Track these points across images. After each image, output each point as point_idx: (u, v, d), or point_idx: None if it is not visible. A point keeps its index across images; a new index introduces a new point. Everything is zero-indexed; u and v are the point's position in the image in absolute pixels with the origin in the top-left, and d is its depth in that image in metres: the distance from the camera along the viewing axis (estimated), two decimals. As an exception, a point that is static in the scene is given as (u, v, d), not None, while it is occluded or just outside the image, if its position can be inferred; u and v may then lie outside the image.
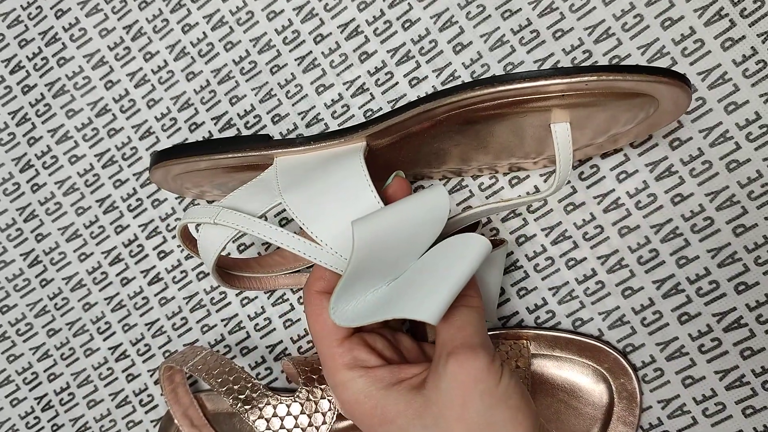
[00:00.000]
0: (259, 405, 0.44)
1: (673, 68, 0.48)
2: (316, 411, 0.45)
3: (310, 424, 0.44)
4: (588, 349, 0.48)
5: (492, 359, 0.35)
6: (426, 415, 0.35)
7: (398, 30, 0.52)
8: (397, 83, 0.52)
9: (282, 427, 0.44)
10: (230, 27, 0.54)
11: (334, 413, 0.44)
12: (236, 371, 0.46)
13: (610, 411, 0.48)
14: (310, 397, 0.45)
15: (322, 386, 0.45)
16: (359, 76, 0.52)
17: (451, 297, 0.35)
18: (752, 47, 0.47)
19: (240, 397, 0.44)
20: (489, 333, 0.49)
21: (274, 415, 0.44)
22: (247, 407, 0.44)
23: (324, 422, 0.44)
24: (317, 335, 0.38)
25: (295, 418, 0.44)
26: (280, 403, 0.44)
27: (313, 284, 0.39)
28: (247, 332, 0.55)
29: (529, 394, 0.47)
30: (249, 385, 0.45)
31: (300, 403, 0.44)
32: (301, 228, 0.39)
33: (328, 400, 0.45)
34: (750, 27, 0.47)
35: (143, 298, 0.56)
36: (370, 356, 0.38)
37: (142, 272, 0.56)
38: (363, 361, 0.37)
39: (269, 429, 0.44)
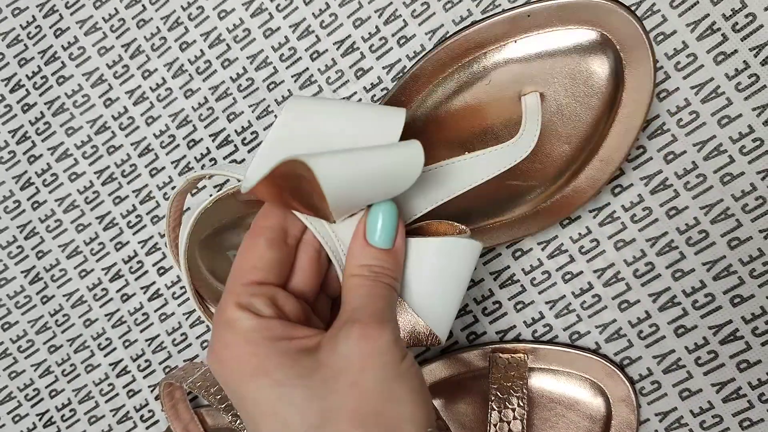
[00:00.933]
0: None
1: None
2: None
3: None
4: (585, 363, 0.48)
5: (397, 339, 0.33)
6: (313, 377, 0.32)
7: (393, 46, 0.52)
8: (393, 99, 0.52)
9: None
10: (227, 44, 0.55)
11: None
12: None
13: (608, 424, 0.48)
14: None
15: None
16: (355, 92, 0.53)
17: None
18: (744, 61, 0.47)
19: (238, 413, 0.45)
20: (487, 345, 0.50)
21: None
22: None
23: None
24: (231, 273, 0.36)
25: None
26: None
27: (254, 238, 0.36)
28: (246, 347, 0.55)
29: (528, 407, 0.47)
30: None
31: None
32: None
33: None
34: (742, 41, 0.47)
35: (143, 314, 0.57)
36: (268, 309, 0.34)
37: (142, 288, 0.57)
38: (258, 309, 0.34)
39: None
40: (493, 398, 0.46)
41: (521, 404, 0.46)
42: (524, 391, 0.47)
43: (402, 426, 0.32)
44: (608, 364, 0.48)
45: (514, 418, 0.46)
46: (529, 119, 0.43)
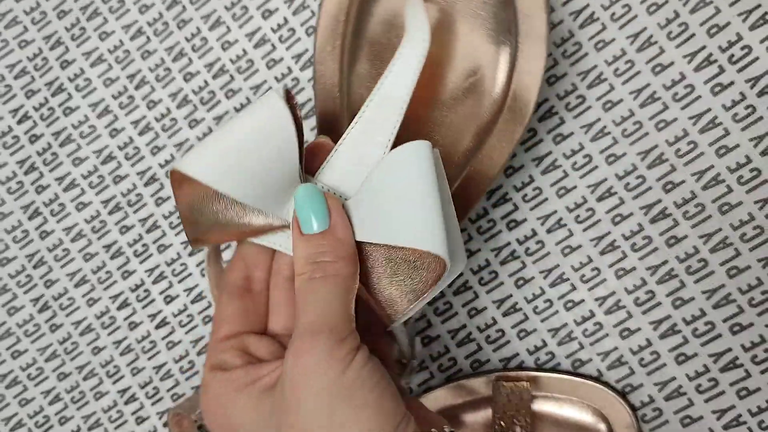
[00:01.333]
0: None
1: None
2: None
3: None
4: (587, 391, 0.49)
5: (337, 343, 0.29)
6: (270, 422, 0.30)
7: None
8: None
9: None
10: (231, 75, 0.56)
11: None
12: None
13: None
14: None
15: None
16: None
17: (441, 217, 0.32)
18: (741, 92, 0.48)
19: None
20: (491, 373, 0.50)
21: None
22: None
23: None
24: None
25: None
26: None
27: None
28: (253, 374, 0.56)
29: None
30: None
31: None
32: None
33: None
34: (738, 72, 0.48)
35: (151, 342, 0.57)
36: (239, 359, 0.33)
37: (149, 316, 0.57)
38: (228, 363, 0.33)
39: None
40: (497, 427, 0.47)
41: (528, 417, 0.47)
42: (527, 420, 0.47)
43: None
44: (610, 392, 0.48)
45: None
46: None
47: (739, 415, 0.49)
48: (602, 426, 0.49)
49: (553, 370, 0.51)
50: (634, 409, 0.50)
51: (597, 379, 0.50)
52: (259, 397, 0.31)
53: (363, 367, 0.30)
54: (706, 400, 0.49)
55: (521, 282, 0.51)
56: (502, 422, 0.47)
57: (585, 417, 0.49)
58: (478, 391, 0.50)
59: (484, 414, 0.50)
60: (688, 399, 0.49)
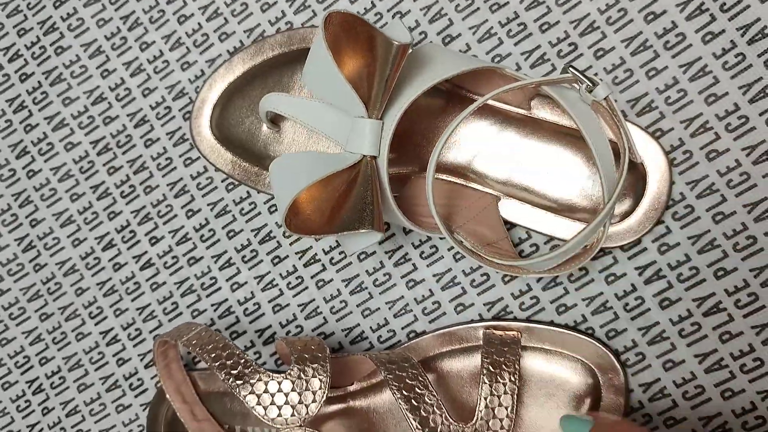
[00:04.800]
0: (251, 381, 0.45)
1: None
2: (307, 389, 0.45)
3: (300, 402, 0.45)
4: (577, 344, 0.49)
5: None
6: None
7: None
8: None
9: (272, 403, 0.45)
10: (225, 18, 0.56)
11: (324, 392, 0.45)
12: (229, 347, 0.46)
13: (596, 407, 0.48)
14: (302, 375, 0.45)
15: (314, 365, 0.46)
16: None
17: None
18: (732, 40, 0.49)
19: (232, 372, 0.45)
20: (481, 322, 0.51)
21: (265, 391, 0.45)
22: (238, 382, 0.45)
23: (314, 400, 0.45)
24: None
25: (286, 395, 0.45)
26: (272, 380, 0.45)
27: None
28: (236, 317, 0.56)
29: (519, 383, 0.47)
30: (242, 361, 0.46)
31: (291, 380, 0.45)
32: None
33: (320, 379, 0.45)
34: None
35: (135, 284, 0.57)
36: None
37: (134, 258, 0.57)
38: None
39: (260, 404, 0.45)
40: (485, 372, 0.47)
41: (513, 380, 0.47)
42: (516, 366, 0.47)
43: None
44: (600, 346, 0.48)
45: (505, 393, 0.46)
46: None
47: (721, 359, 0.49)
48: (590, 380, 0.49)
49: (545, 322, 0.50)
50: (624, 366, 0.50)
51: (589, 335, 0.50)
52: None
53: None
54: (689, 344, 0.49)
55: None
56: (491, 368, 0.47)
57: (573, 371, 0.49)
58: (468, 340, 0.50)
59: (473, 361, 0.50)
60: (670, 343, 0.49)
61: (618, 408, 0.48)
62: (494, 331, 0.49)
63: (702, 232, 0.49)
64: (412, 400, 0.44)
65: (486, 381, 0.46)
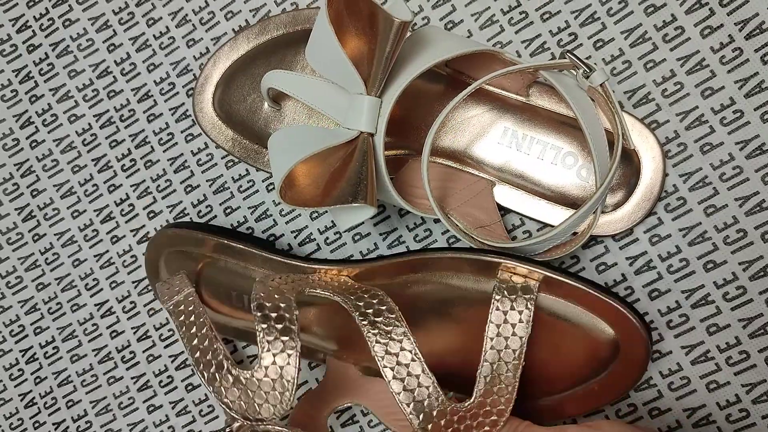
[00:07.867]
0: None
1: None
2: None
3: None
4: (597, 304, 0.45)
5: None
6: None
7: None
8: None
9: None
10: (231, -3, 0.56)
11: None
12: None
13: (607, 366, 0.46)
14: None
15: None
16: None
17: None
18: (729, 35, 0.49)
19: None
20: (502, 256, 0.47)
21: None
22: None
23: None
24: None
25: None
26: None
27: None
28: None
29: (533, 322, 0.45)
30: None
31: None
32: None
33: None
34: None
35: (132, 256, 0.58)
36: None
37: (131, 231, 0.58)
38: None
39: None
40: (497, 297, 0.45)
41: (529, 307, 0.45)
42: (529, 318, 0.45)
43: None
44: (621, 308, 0.45)
45: (520, 321, 0.44)
46: None
47: (708, 351, 0.49)
48: (608, 338, 0.46)
49: (565, 273, 0.46)
50: (649, 330, 0.46)
51: (615, 295, 0.45)
52: None
53: None
54: (676, 336, 0.50)
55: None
56: (506, 293, 0.45)
57: (591, 327, 0.46)
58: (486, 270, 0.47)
59: (484, 286, 0.48)
60: (658, 334, 0.50)
61: (637, 368, 0.46)
62: (510, 272, 0.46)
63: (693, 224, 0.49)
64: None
65: (498, 307, 0.45)
